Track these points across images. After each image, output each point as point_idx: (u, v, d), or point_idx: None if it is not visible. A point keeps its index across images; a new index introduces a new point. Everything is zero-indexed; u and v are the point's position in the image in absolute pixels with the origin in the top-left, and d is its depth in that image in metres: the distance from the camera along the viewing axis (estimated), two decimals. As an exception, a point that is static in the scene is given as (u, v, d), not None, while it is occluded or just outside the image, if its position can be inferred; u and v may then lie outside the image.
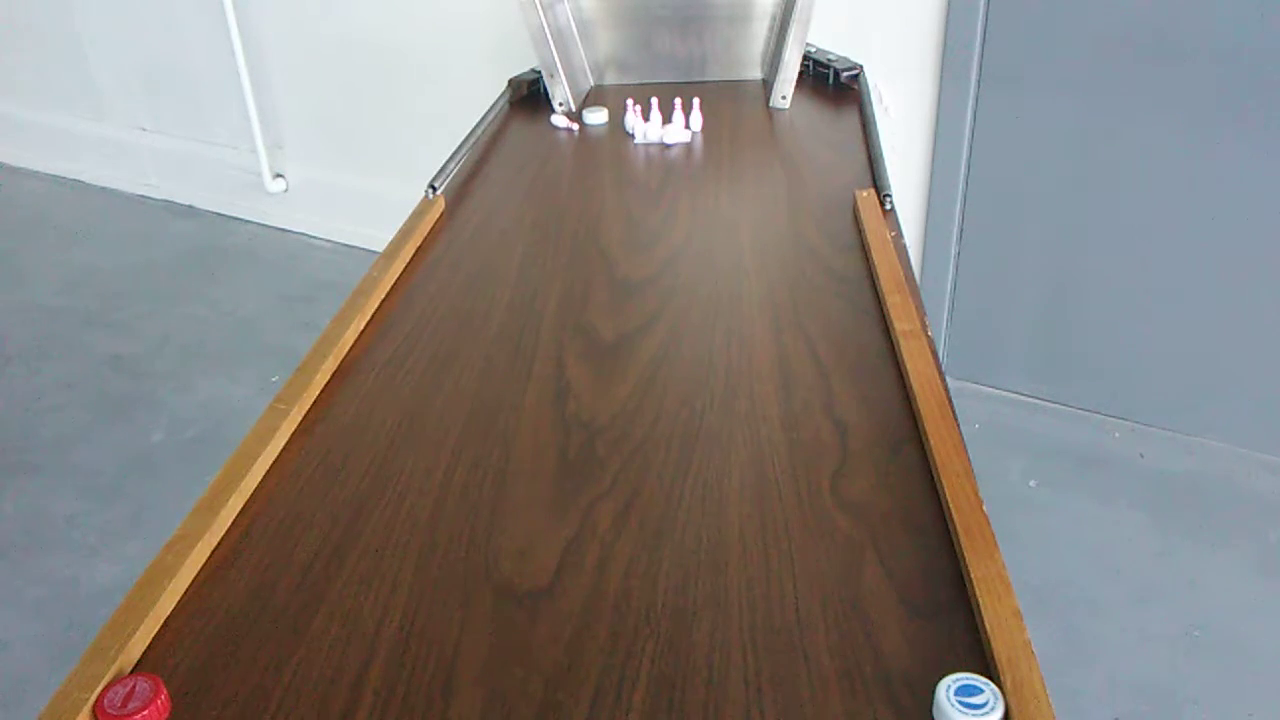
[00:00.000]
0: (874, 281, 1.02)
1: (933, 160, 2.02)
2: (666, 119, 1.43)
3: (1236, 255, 1.84)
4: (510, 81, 1.60)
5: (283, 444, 0.83)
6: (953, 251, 2.08)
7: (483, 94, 2.19)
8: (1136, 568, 1.72)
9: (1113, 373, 2.03)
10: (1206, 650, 1.57)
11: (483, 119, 1.46)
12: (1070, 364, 2.06)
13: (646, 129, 1.41)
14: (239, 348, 2.45)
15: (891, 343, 0.92)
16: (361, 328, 0.99)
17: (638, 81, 1.64)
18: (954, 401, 0.82)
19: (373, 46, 2.56)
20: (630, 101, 1.45)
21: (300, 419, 0.86)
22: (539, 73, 1.56)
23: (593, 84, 1.64)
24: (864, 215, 1.12)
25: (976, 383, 2.17)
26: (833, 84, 1.58)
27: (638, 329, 0.97)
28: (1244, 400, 1.93)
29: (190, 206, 3.12)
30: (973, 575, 0.64)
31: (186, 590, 0.69)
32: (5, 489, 2.02)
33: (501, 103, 1.56)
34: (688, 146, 1.39)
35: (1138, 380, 2.01)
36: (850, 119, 1.46)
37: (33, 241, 2.99)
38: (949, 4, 1.88)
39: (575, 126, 1.47)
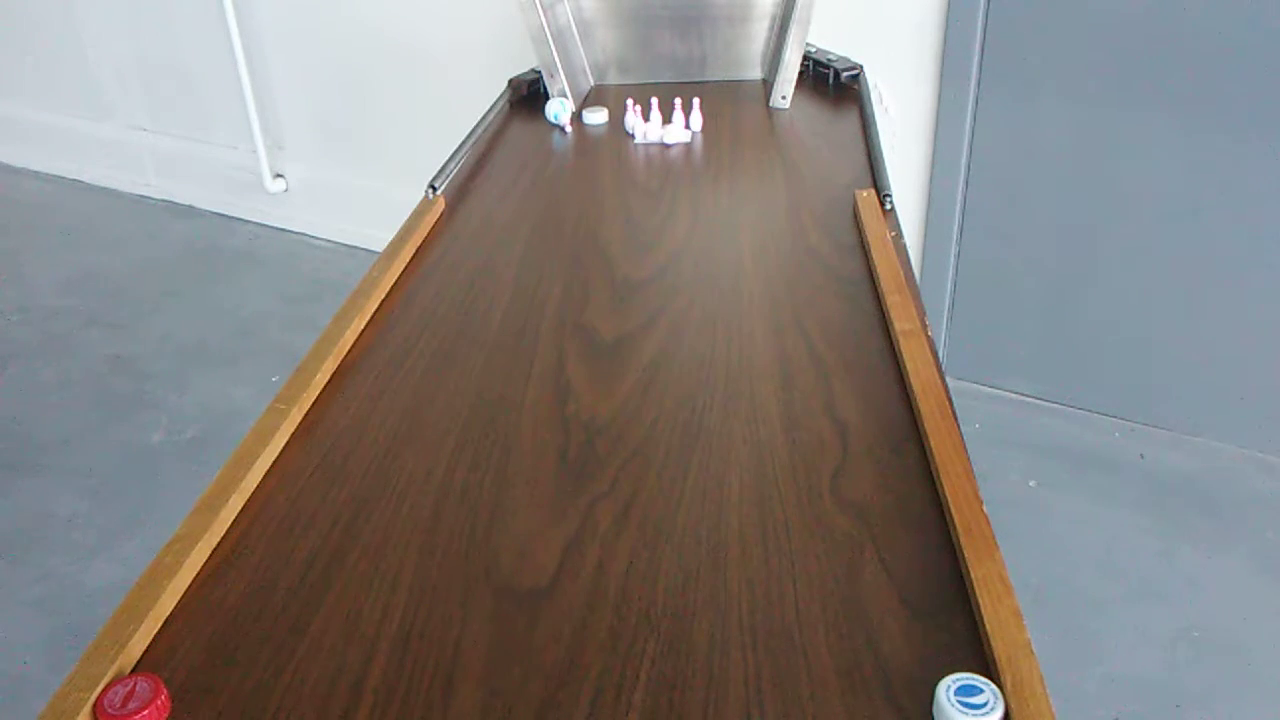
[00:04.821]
0: (874, 281, 1.02)
1: (933, 160, 2.02)
2: (666, 119, 1.43)
3: (1237, 255, 1.84)
4: (510, 81, 1.60)
5: (283, 444, 0.83)
6: (953, 251, 2.08)
7: (483, 94, 2.19)
8: (1136, 568, 1.72)
9: (1113, 373, 2.03)
10: (1206, 650, 1.57)
11: (483, 119, 1.46)
12: (1070, 364, 2.06)
13: (646, 129, 1.41)
14: (239, 348, 2.45)
15: (891, 343, 0.92)
16: (361, 328, 0.99)
17: (638, 81, 1.64)
18: (954, 401, 0.82)
19: (373, 46, 2.56)
20: (630, 101, 1.45)
21: (300, 419, 0.86)
22: (539, 73, 1.56)
23: (593, 84, 1.64)
24: (864, 215, 1.12)
25: (976, 383, 2.17)
26: (833, 84, 1.58)
27: (638, 329, 0.97)
28: (1244, 400, 1.93)
29: (190, 206, 3.12)
30: (973, 575, 0.64)
31: (186, 590, 0.69)
32: (5, 489, 2.02)
33: (501, 103, 1.56)
34: (688, 146, 1.39)
35: (1138, 380, 2.01)
36: (850, 119, 1.46)
37: (33, 241, 2.99)
38: (949, 4, 1.88)
39: (568, 125, 1.47)
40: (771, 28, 1.60)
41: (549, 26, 1.50)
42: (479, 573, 0.69)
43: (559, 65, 1.50)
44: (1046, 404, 2.11)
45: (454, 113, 2.46)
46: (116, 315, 2.60)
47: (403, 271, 1.10)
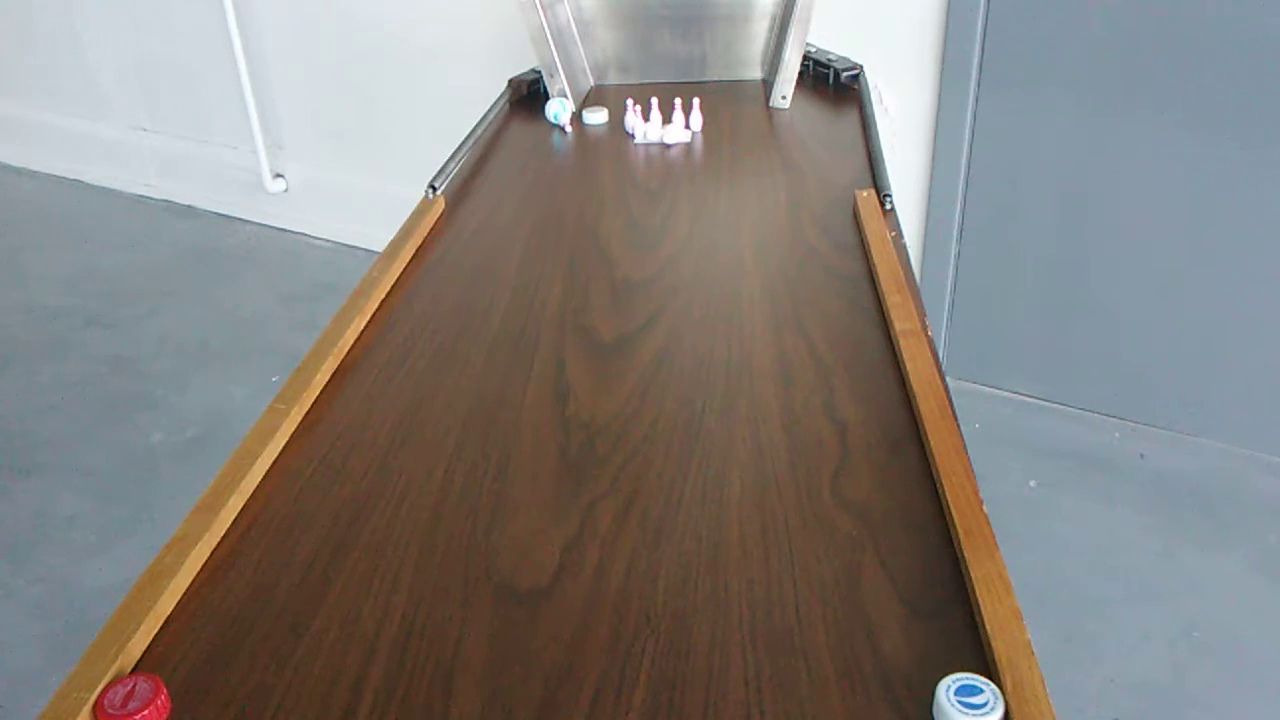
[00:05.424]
0: (874, 281, 1.02)
1: (933, 160, 2.02)
2: (666, 119, 1.43)
3: (1237, 255, 1.84)
4: (510, 81, 1.60)
5: (283, 444, 0.83)
6: (953, 251, 2.08)
7: (483, 94, 2.19)
8: (1136, 568, 1.72)
9: (1113, 373, 2.03)
10: (1206, 650, 1.57)
11: (483, 119, 1.46)
12: (1070, 364, 2.06)
13: (646, 129, 1.41)
14: (239, 348, 2.45)
15: (891, 342, 0.92)
16: (361, 328, 0.99)
17: (638, 81, 1.64)
18: (954, 401, 0.82)
19: (373, 46, 2.56)
20: (630, 101, 1.45)
21: (300, 419, 0.86)
22: (539, 73, 1.56)
23: (593, 84, 1.64)
24: (864, 215, 1.12)
25: (976, 383, 2.17)
26: (833, 84, 1.58)
27: (638, 329, 0.97)
28: (1244, 400, 1.93)
29: (190, 206, 3.12)
30: (973, 575, 0.64)
31: (186, 590, 0.69)
32: (5, 489, 2.02)
33: (501, 103, 1.56)
34: (688, 146, 1.39)
35: (1138, 380, 2.01)
36: (850, 119, 1.45)
37: (33, 241, 2.99)
38: (949, 5, 1.88)
39: (569, 126, 1.47)
40: (771, 28, 1.60)
41: (549, 26, 1.50)
42: (479, 573, 0.69)
43: (559, 65, 1.50)
44: (1046, 404, 2.11)
45: (454, 113, 2.46)
46: (117, 315, 2.60)
47: (403, 271, 1.10)
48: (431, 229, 1.19)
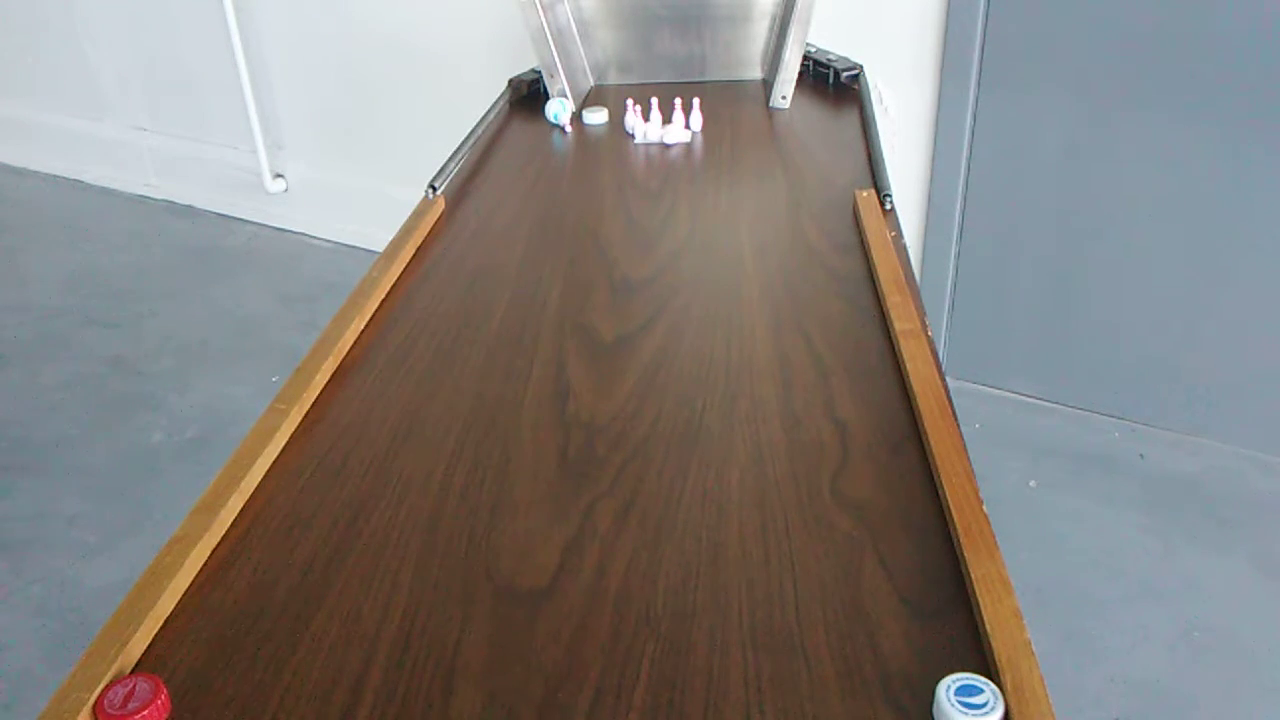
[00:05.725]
0: (874, 281, 1.02)
1: (933, 160, 2.02)
2: (666, 119, 1.43)
3: (1237, 255, 1.84)
4: (510, 81, 1.60)
5: (283, 444, 0.83)
6: (953, 251, 2.08)
7: (483, 94, 2.19)
8: (1136, 568, 1.72)
9: (1113, 373, 2.03)
10: (1206, 650, 1.57)
11: (483, 119, 1.46)
12: (1070, 364, 2.06)
13: (646, 129, 1.41)
14: (239, 348, 2.45)
15: (891, 343, 0.92)
16: (361, 328, 0.99)
17: (638, 81, 1.64)
18: (954, 401, 0.82)
19: (373, 46, 2.56)
20: (630, 101, 1.45)
21: (300, 419, 0.86)
22: (539, 73, 1.56)
23: (593, 84, 1.64)
24: (864, 215, 1.12)
25: (976, 383, 2.17)
26: (833, 84, 1.58)
27: (638, 329, 0.97)
28: (1244, 400, 1.93)
29: (190, 206, 3.12)
30: (973, 575, 0.64)
31: (186, 590, 0.69)
32: (5, 489, 2.02)
33: (501, 103, 1.56)
34: (688, 146, 1.39)
35: (1138, 380, 2.01)
36: (850, 119, 1.45)
37: (33, 241, 2.99)
38: (949, 4, 1.88)
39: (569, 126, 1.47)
40: (771, 28, 1.60)
41: (549, 26, 1.50)
42: (479, 573, 0.69)
43: (559, 65, 1.50)
44: (1046, 404, 2.11)
45: (454, 113, 2.46)
46: (116, 315, 2.60)
47: (403, 271, 1.10)
48: (431, 229, 1.19)
